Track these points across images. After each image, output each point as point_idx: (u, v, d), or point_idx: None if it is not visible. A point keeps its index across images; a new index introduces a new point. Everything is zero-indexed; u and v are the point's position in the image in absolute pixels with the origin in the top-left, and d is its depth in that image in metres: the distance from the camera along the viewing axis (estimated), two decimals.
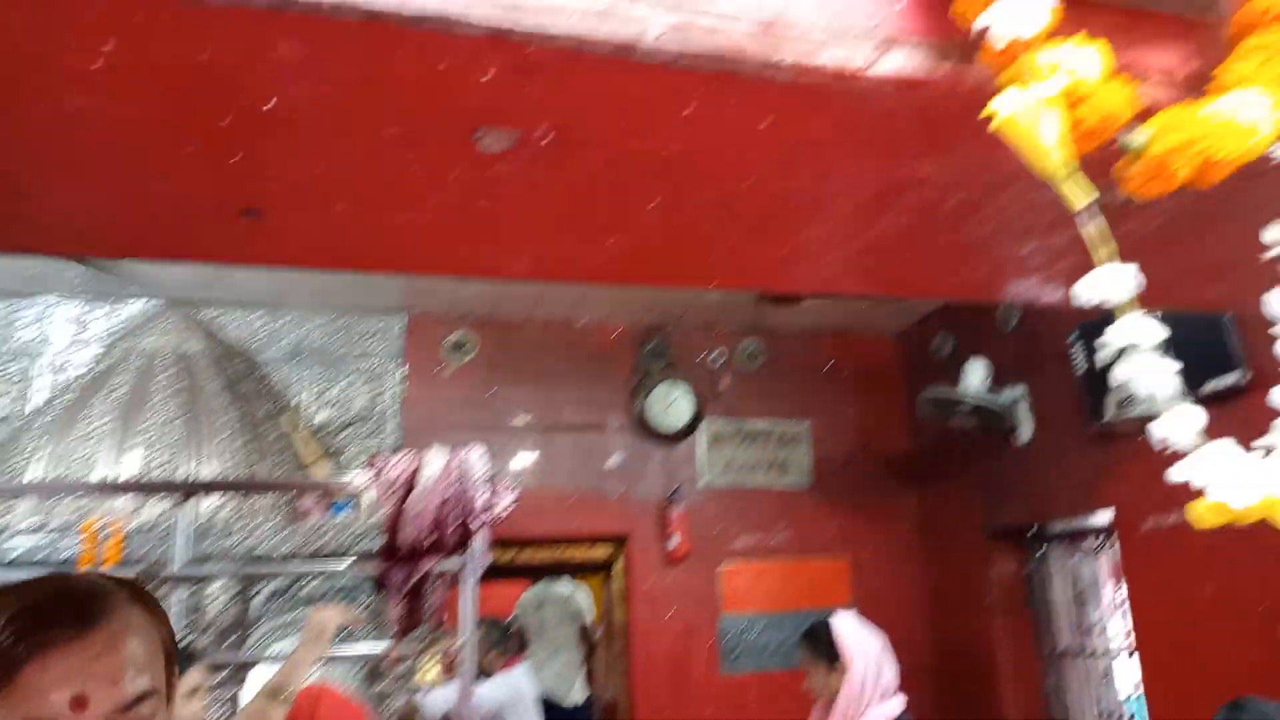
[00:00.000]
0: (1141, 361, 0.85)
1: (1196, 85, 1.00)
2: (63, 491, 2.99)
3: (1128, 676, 3.80)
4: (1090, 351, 3.42)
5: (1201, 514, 0.94)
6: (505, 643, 3.43)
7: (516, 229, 1.23)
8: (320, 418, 4.14)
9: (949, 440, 4.37)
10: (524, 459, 4.38)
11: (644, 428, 4.53)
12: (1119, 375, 0.88)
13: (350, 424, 4.21)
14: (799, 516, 4.56)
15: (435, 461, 2.89)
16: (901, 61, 0.92)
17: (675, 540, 4.34)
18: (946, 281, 1.48)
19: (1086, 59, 0.86)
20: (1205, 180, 0.91)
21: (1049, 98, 0.81)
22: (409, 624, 2.89)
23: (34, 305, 3.91)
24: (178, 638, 0.81)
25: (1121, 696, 3.86)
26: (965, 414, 3.97)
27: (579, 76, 0.90)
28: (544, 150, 1.04)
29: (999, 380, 3.97)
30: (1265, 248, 1.04)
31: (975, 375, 3.94)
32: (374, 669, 3.07)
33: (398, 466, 2.89)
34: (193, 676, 1.79)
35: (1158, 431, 0.90)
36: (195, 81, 0.89)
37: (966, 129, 0.91)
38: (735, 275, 1.46)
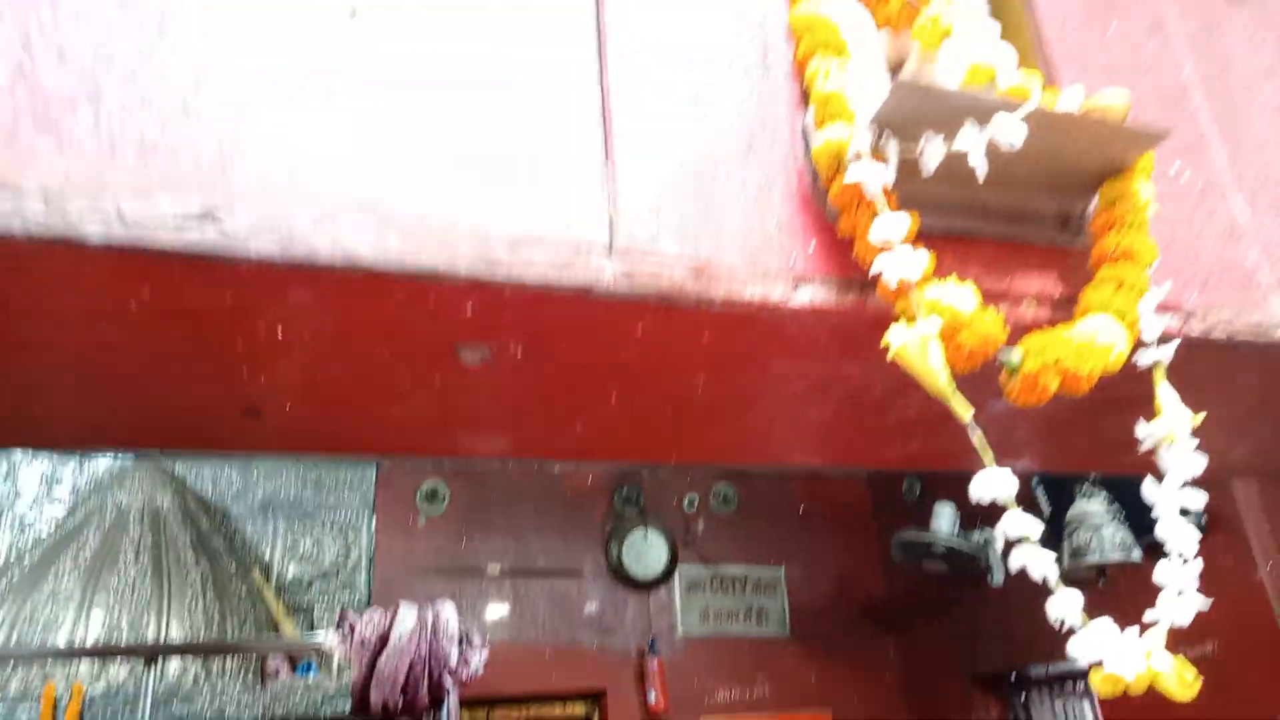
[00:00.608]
0: (1026, 552, 1.02)
1: (1067, 305, 1.22)
2: (22, 657, 3.01)
3: None
4: (1051, 497, 3.61)
5: (1100, 684, 1.08)
6: None
7: (492, 419, 1.41)
8: (291, 572, 4.18)
9: (925, 584, 4.47)
10: (496, 610, 4.41)
11: (619, 575, 4.60)
12: (1012, 564, 1.05)
13: (321, 577, 4.25)
14: (778, 666, 4.58)
15: (407, 619, 2.96)
16: (812, 295, 1.14)
17: (654, 695, 4.34)
18: (879, 455, 1.67)
19: (962, 295, 1.08)
20: (1073, 391, 1.11)
21: (931, 333, 1.02)
22: None
23: (1, 462, 4.00)
24: None
25: None
26: (938, 557, 4.09)
27: (546, 309, 1.11)
28: (516, 360, 1.23)
29: (969, 523, 4.12)
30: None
31: (944, 518, 4.10)
32: None
33: (369, 625, 2.96)
34: None
35: (1052, 611, 1.06)
36: (216, 320, 1.08)
37: (874, 342, 1.11)
38: (689, 453, 1.64)
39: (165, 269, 0.96)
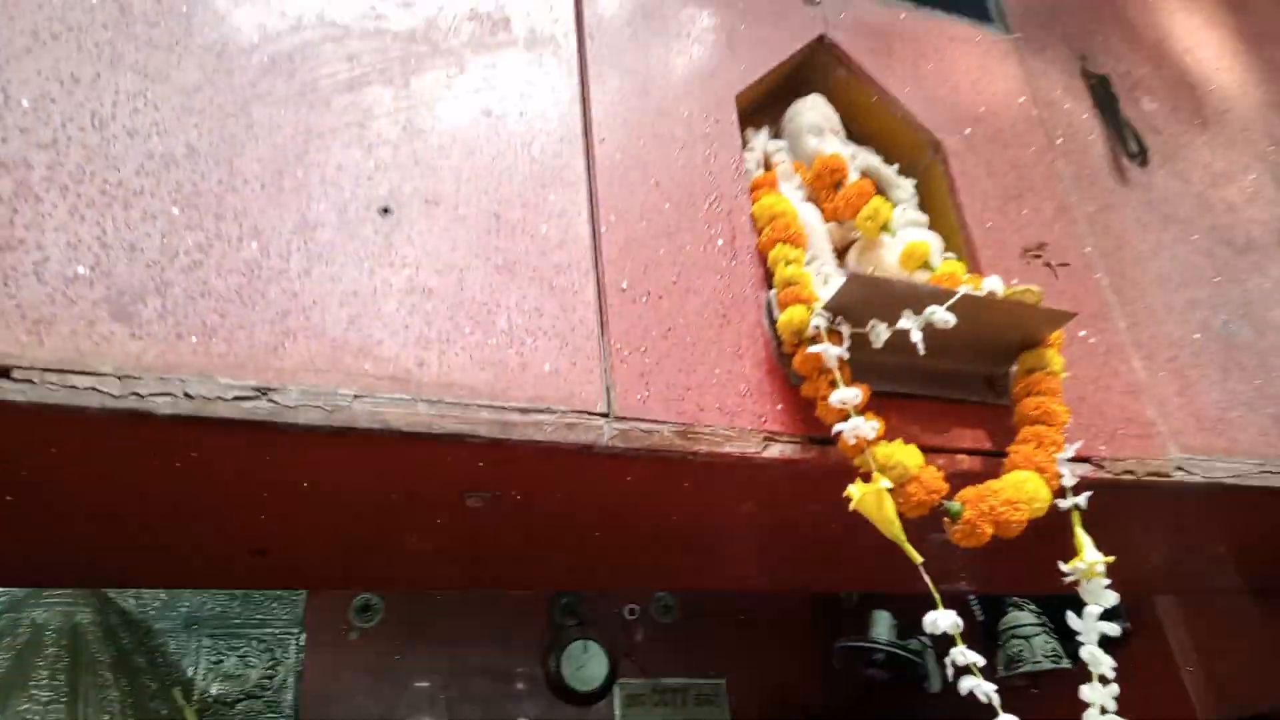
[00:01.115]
0: (972, 681, 1.21)
1: (997, 456, 1.45)
2: None
3: None
4: (984, 607, 3.85)
5: None
6: None
7: (488, 555, 1.56)
8: (214, 690, 4.09)
9: (864, 693, 4.62)
10: None
11: (557, 689, 4.61)
12: (961, 687, 1.23)
13: (245, 697, 4.16)
14: None
15: None
16: (780, 449, 1.34)
17: None
18: (830, 580, 1.86)
19: (910, 454, 1.29)
20: (1005, 535, 1.32)
21: (884, 488, 1.23)
22: None
23: None
24: None
25: None
26: (877, 664, 4.26)
27: (550, 463, 1.28)
28: (515, 503, 1.39)
29: (906, 631, 4.32)
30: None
31: (882, 625, 4.29)
32: None
33: None
34: None
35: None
36: (249, 471, 1.22)
37: (835, 488, 1.31)
38: (663, 580, 1.80)
39: (219, 433, 1.10)
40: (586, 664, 4.73)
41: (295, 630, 4.34)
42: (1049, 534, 1.44)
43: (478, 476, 1.29)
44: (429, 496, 1.35)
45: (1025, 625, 3.43)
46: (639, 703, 4.71)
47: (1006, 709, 1.21)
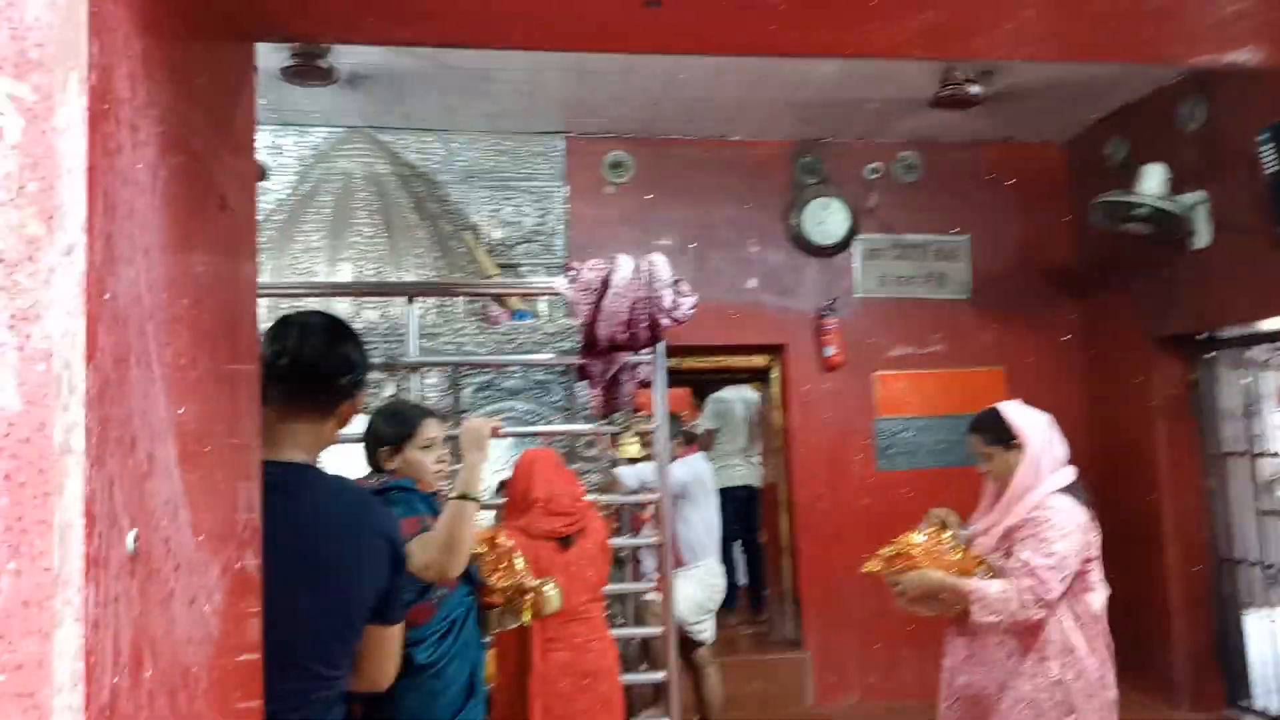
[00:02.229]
0: None
1: None
2: (309, 295, 3.61)
3: None
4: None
5: None
6: (683, 434, 3.98)
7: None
8: (497, 235, 4.64)
9: (1117, 249, 4.51)
10: (683, 273, 4.79)
11: (799, 241, 4.84)
12: None
13: (523, 241, 4.71)
14: (955, 327, 4.87)
15: (625, 266, 3.32)
16: None
17: (831, 350, 4.75)
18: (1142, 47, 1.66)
19: None
20: None
21: None
22: (608, 409, 3.44)
23: None
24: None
25: None
26: (1140, 220, 4.09)
27: None
28: None
29: (1177, 185, 4.04)
30: None
31: (1154, 179, 4.03)
32: (572, 449, 3.68)
33: (592, 272, 3.34)
34: (431, 428, 2.23)
35: None
36: None
37: None
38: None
39: None
40: (827, 220, 4.87)
41: (559, 184, 4.73)
42: None
43: None
44: None
45: None
46: (878, 255, 4.89)
47: None
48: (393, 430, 2.20)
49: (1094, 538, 2.25)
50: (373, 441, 2.23)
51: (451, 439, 2.46)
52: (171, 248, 0.77)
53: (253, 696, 0.86)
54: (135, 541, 0.63)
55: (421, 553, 1.95)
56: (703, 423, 5.63)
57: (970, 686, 2.25)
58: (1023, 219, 5.00)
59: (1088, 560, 2.23)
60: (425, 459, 2.20)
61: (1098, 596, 2.26)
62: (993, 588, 2.14)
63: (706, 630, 3.86)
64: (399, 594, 1.41)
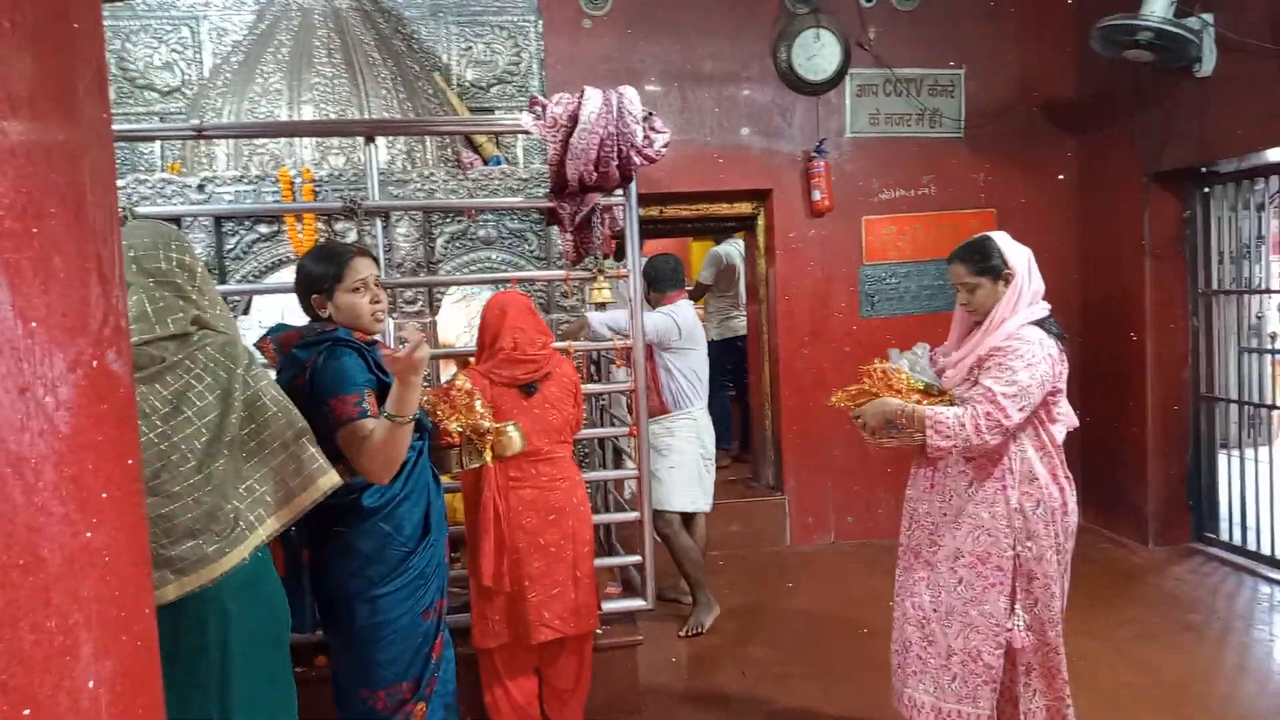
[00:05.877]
0: None
1: None
2: (261, 133, 3.47)
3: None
4: None
5: None
6: (661, 283, 3.90)
7: None
8: (469, 76, 4.42)
9: (1118, 79, 4.29)
10: (665, 113, 4.60)
11: (788, 78, 4.61)
12: None
13: (496, 83, 4.49)
14: (946, 168, 4.70)
15: (593, 100, 3.16)
16: None
17: (818, 194, 4.61)
18: None
19: None
20: None
21: None
22: (579, 254, 3.36)
23: None
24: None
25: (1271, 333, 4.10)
26: (1145, 44, 3.87)
27: None
28: None
29: (1183, 10, 3.80)
30: None
31: (1159, 1, 3.78)
32: (550, 298, 3.61)
33: (559, 106, 3.19)
34: (362, 267, 2.06)
35: None
36: None
37: None
38: None
39: None
40: (818, 53, 4.60)
41: (533, 18, 4.46)
42: None
43: None
44: None
45: None
46: (870, 92, 4.65)
47: None
48: (319, 270, 2.05)
49: (1061, 369, 2.22)
50: (303, 286, 2.09)
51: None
52: None
53: (128, 495, 0.83)
54: None
55: (351, 453, 1.88)
56: (703, 274, 5.63)
57: (930, 514, 2.27)
58: (1022, 50, 4.74)
59: (1053, 392, 2.20)
60: (359, 301, 2.04)
61: (1060, 429, 2.25)
62: (948, 413, 2.13)
63: (701, 500, 3.79)
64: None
